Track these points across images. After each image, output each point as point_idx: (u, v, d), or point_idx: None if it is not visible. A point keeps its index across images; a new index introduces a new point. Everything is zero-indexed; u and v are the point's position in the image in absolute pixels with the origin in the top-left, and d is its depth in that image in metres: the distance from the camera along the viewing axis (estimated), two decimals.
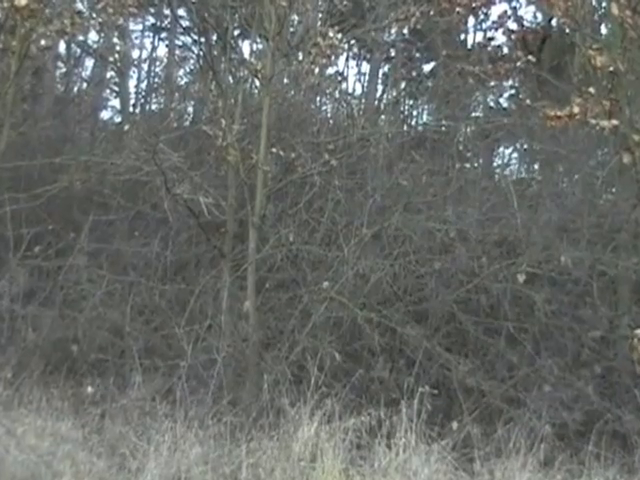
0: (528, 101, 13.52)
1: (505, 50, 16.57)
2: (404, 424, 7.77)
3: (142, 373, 9.16)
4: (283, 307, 9.99)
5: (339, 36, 10.40)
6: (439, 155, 12.65)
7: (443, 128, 13.25)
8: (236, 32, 13.42)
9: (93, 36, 16.84)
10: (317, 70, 11.87)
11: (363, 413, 8.03)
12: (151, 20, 19.52)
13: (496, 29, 16.51)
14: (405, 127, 16.08)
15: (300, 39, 11.84)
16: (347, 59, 17.45)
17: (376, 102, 16.99)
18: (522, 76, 15.65)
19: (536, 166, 15.30)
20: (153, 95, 19.31)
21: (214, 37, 11.82)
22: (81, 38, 16.08)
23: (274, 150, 10.18)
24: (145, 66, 19.94)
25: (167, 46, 19.54)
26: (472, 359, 9.33)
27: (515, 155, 16.46)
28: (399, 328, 9.39)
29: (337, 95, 14.61)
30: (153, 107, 18.70)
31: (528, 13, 21.78)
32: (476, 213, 10.62)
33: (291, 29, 13.03)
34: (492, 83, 15.16)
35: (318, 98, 14.39)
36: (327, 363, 8.76)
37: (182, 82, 19.38)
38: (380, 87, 17.83)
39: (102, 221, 11.30)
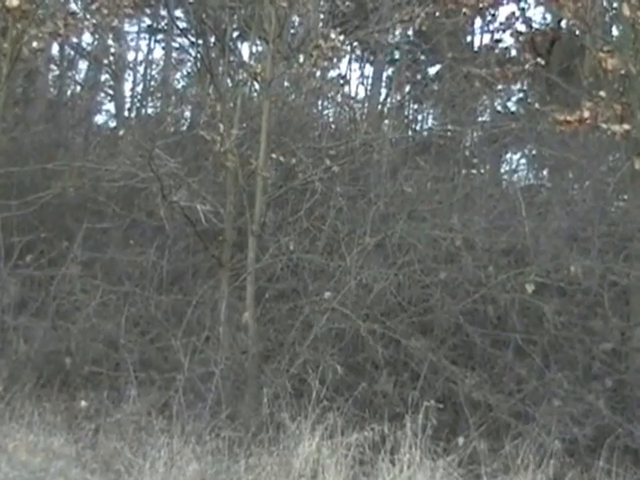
0: (537, 105, 13.60)
1: (513, 52, 16.66)
2: (408, 439, 7.78)
3: (137, 386, 9.18)
4: (283, 318, 10.00)
5: (341, 38, 10.44)
6: (445, 161, 12.67)
7: (449, 133, 13.25)
8: (235, 34, 13.48)
9: (87, 38, 16.91)
10: (318, 73, 11.94)
11: (366, 428, 8.04)
12: (147, 21, 19.62)
13: (504, 31, 16.58)
14: (409, 132, 16.14)
15: (301, 41, 11.87)
16: (350, 62, 17.53)
17: (379, 106, 17.05)
18: (531, 79, 15.70)
19: (545, 172, 15.32)
20: (149, 99, 19.39)
21: (212, 39, 11.86)
22: (75, 40, 16.10)
23: (274, 156, 10.21)
24: (141, 69, 20.05)
25: (164, 48, 19.65)
26: (479, 372, 9.33)
27: (523, 161, 16.47)
28: (403, 340, 9.40)
29: (339, 99, 14.63)
30: (149, 111, 18.79)
31: (537, 14, 21.91)
32: (483, 221, 10.62)
33: (292, 31, 13.09)
34: (499, 87, 15.21)
35: (319, 102, 14.43)
36: (329, 376, 8.77)
37: (179, 85, 19.50)
38: (384, 91, 17.91)
39: (96, 229, 11.32)
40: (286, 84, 12.41)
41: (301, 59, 10.88)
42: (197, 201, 10.22)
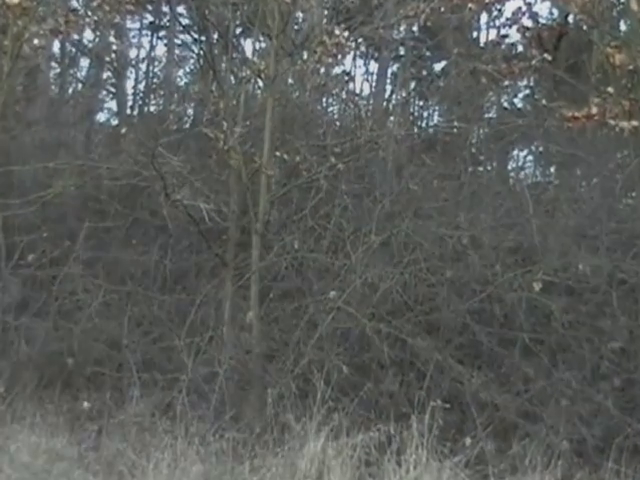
0: (544, 101, 13.60)
1: (520, 48, 16.61)
2: (415, 440, 7.77)
3: (140, 387, 9.19)
4: (288, 318, 10.00)
5: (346, 34, 10.42)
6: (451, 158, 12.68)
7: (455, 130, 13.25)
8: (238, 30, 13.46)
9: (88, 35, 16.91)
10: (323, 70, 11.92)
11: (372, 428, 8.03)
12: (149, 18, 19.62)
13: (510, 26, 16.53)
14: (415, 129, 16.14)
15: (305, 37, 11.86)
16: (354, 58, 17.53)
17: (385, 103, 17.06)
18: (537, 75, 15.67)
19: (552, 169, 15.33)
20: (151, 96, 19.41)
21: (215, 35, 11.85)
22: (76, 37, 16.12)
23: (278, 153, 10.21)
24: (143, 66, 20.04)
25: (166, 45, 19.64)
26: (486, 372, 9.33)
27: (530, 158, 16.48)
28: (409, 339, 9.39)
29: (344, 96, 14.66)
30: (151, 109, 18.80)
31: (544, 9, 21.86)
32: (490, 219, 10.62)
33: (295, 27, 13.08)
34: (506, 83, 15.17)
35: (324, 99, 14.44)
36: (334, 376, 8.76)
37: (182, 82, 19.49)
38: (389, 87, 17.90)
39: (98, 228, 11.32)
40: (290, 81, 12.40)
41: (305, 56, 10.87)
42: (200, 200, 10.22)
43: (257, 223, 9.84)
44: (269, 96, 10.16)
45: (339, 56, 11.07)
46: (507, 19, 16.51)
